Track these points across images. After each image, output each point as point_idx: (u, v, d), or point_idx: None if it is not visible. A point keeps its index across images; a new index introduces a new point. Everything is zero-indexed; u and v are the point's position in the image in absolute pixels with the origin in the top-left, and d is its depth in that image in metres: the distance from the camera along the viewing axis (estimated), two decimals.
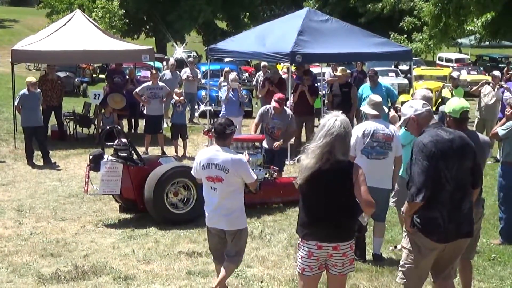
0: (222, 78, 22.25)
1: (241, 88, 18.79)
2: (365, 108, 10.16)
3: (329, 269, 6.71)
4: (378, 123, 9.86)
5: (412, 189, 6.67)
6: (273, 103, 13.79)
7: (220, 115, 18.45)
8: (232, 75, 19.17)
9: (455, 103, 7.97)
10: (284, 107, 14.15)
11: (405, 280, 7.02)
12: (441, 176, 6.65)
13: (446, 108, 8.00)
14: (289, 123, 13.96)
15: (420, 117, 7.03)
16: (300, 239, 6.76)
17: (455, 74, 19.98)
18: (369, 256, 10.08)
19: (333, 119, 6.57)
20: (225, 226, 8.20)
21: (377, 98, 10.25)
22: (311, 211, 6.66)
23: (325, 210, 6.58)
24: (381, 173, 9.72)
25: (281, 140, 13.68)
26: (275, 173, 13.55)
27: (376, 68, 23.92)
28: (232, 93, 18.26)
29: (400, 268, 7.08)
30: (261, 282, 9.11)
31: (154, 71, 19.92)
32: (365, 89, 17.92)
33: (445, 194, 6.67)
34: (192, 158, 17.89)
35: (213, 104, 21.95)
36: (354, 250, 6.88)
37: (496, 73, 20.41)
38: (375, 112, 9.95)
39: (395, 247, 10.50)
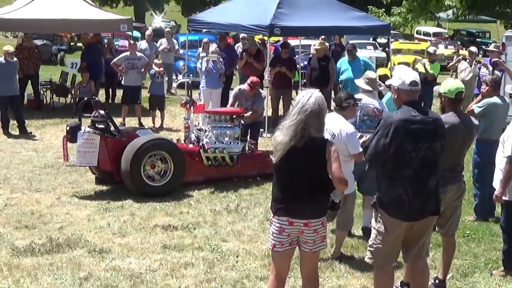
0: (200, 49, 22.12)
1: (221, 60, 18.75)
2: (360, 82, 10.11)
3: (301, 246, 6.71)
4: (368, 97, 9.88)
5: (366, 155, 6.90)
6: (245, 86, 13.89)
7: (200, 87, 18.47)
8: (213, 47, 19.10)
9: (450, 84, 8.01)
10: (259, 89, 14.26)
11: (373, 260, 7.05)
12: (405, 155, 6.67)
13: (441, 88, 8.01)
14: (259, 103, 14.09)
15: (401, 90, 6.95)
16: (272, 215, 6.77)
17: (431, 49, 20.00)
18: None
19: (307, 96, 6.53)
20: None
21: (373, 75, 10.35)
22: (284, 187, 6.66)
23: (298, 186, 6.56)
24: None
25: (250, 113, 13.71)
26: (253, 146, 13.57)
27: (354, 41, 23.91)
28: (212, 64, 18.23)
29: (368, 248, 7.11)
30: (237, 256, 9.13)
31: (132, 41, 19.80)
32: (343, 62, 17.88)
33: (409, 171, 6.70)
34: (169, 130, 17.92)
35: (191, 75, 21.81)
36: None
37: (473, 48, 20.50)
38: (368, 88, 9.94)
39: None
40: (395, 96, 7.03)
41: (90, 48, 22.55)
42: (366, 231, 10.03)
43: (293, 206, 6.57)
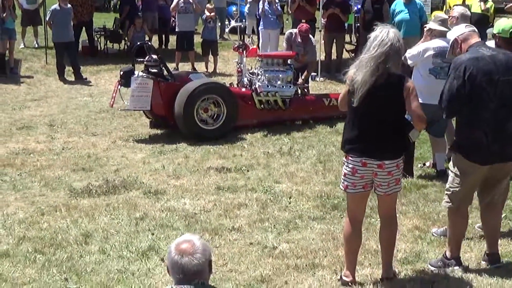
0: None
1: (277, 1, 18.80)
2: (433, 25, 9.89)
3: (375, 189, 6.49)
4: (446, 42, 9.67)
5: (443, 103, 6.66)
6: (298, 37, 13.93)
7: (259, 29, 18.55)
8: None
9: (504, 23, 7.82)
10: (309, 35, 14.24)
11: (450, 204, 6.91)
12: (481, 93, 6.51)
13: (495, 29, 7.82)
14: (310, 50, 14.03)
15: (462, 37, 6.90)
16: (344, 156, 6.54)
17: None
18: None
19: (385, 31, 6.21)
20: None
21: (443, 15, 10.19)
22: (359, 126, 6.37)
23: (374, 125, 6.30)
24: None
25: (302, 81, 13.71)
26: (306, 90, 13.56)
27: None
28: (267, 5, 18.31)
29: (446, 192, 6.96)
30: (290, 197, 9.17)
31: None
32: (398, 4, 17.51)
33: (487, 113, 6.52)
34: (223, 74, 17.95)
35: (243, 20, 21.77)
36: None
37: None
38: (444, 29, 9.73)
39: (424, 164, 10.51)
40: (459, 48, 6.92)
41: None
42: (442, 173, 9.96)
43: (368, 146, 6.31)
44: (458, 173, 6.80)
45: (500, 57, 6.66)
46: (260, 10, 18.78)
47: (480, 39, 6.96)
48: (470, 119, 6.62)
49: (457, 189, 6.82)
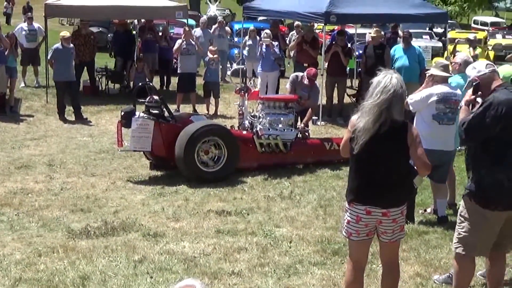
0: (247, 37, 22.11)
1: (274, 44, 18.90)
2: (434, 71, 9.88)
3: (379, 236, 6.42)
4: (449, 87, 9.71)
5: (467, 131, 6.52)
6: (306, 80, 13.94)
7: (257, 72, 18.64)
8: (266, 32, 19.24)
9: (505, 70, 7.84)
10: (315, 82, 14.28)
11: (465, 252, 6.75)
12: (510, 136, 6.44)
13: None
14: (313, 94, 14.01)
15: (483, 78, 6.82)
16: (347, 203, 6.44)
17: (471, 36, 20.15)
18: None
19: (389, 77, 6.14)
20: None
21: (445, 61, 10.35)
22: (362, 175, 6.30)
23: (378, 174, 6.23)
24: (449, 137, 9.65)
25: (303, 125, 13.63)
26: (307, 133, 13.52)
27: (410, 30, 23.67)
28: (265, 48, 18.39)
29: (459, 240, 6.77)
30: (290, 242, 9.08)
31: (187, 28, 19.76)
32: (397, 50, 17.67)
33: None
34: (224, 117, 17.93)
35: (245, 63, 21.82)
36: None
37: None
38: (446, 74, 9.77)
39: (425, 210, 10.45)
40: (482, 86, 6.84)
41: (117, 34, 23.69)
42: (443, 220, 9.91)
43: (372, 194, 6.25)
44: (473, 222, 6.63)
45: None
46: (258, 53, 19.09)
47: (500, 80, 6.86)
48: (495, 161, 6.47)
49: (475, 239, 6.65)
